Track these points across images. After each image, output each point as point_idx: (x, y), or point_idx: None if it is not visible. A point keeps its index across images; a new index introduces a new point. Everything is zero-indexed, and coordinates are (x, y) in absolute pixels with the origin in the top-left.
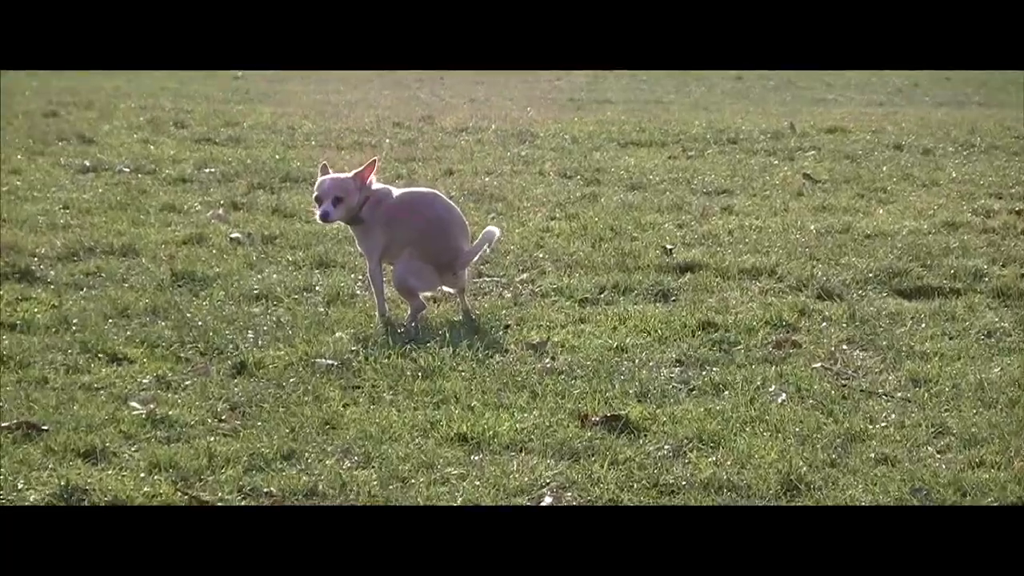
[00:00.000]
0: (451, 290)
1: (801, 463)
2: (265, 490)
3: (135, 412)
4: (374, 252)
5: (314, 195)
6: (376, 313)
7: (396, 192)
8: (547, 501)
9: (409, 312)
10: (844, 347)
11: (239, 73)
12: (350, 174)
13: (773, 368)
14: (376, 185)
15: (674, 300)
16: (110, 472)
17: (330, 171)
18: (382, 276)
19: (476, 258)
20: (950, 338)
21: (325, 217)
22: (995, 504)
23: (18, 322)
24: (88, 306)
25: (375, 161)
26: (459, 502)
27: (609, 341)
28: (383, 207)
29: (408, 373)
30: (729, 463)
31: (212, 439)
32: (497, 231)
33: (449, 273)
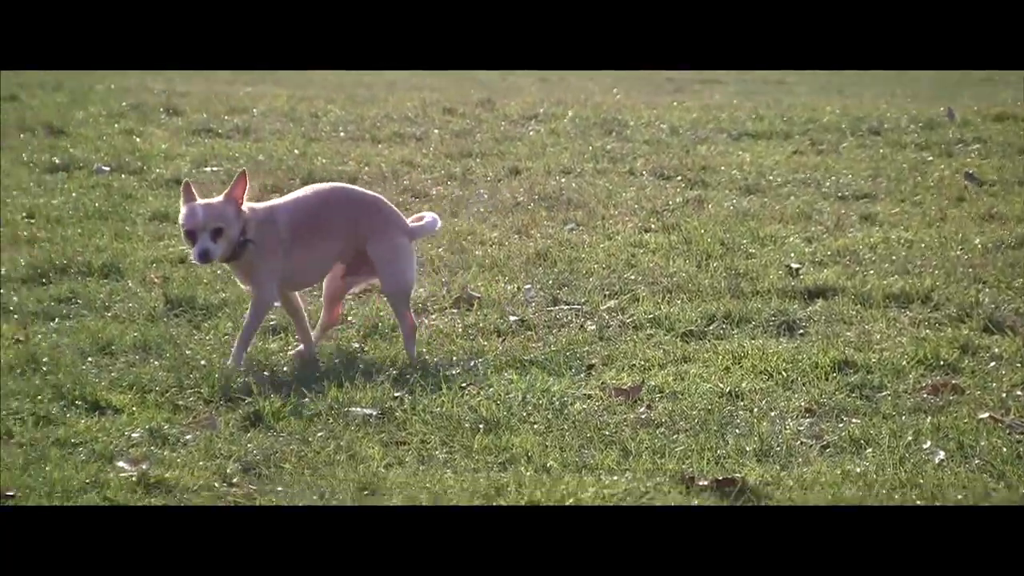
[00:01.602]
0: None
1: None
2: None
3: (123, 474)
4: (273, 277)
5: (183, 229)
6: (233, 362)
7: (281, 200)
8: None
9: (404, 331)
10: (1018, 393)
11: None
12: (221, 197)
13: (928, 419)
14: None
15: (802, 334)
16: None
17: (195, 194)
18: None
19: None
20: None
21: (204, 257)
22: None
23: None
24: (61, 341)
25: (244, 174)
26: None
27: (720, 385)
28: (278, 219)
29: (466, 426)
30: None
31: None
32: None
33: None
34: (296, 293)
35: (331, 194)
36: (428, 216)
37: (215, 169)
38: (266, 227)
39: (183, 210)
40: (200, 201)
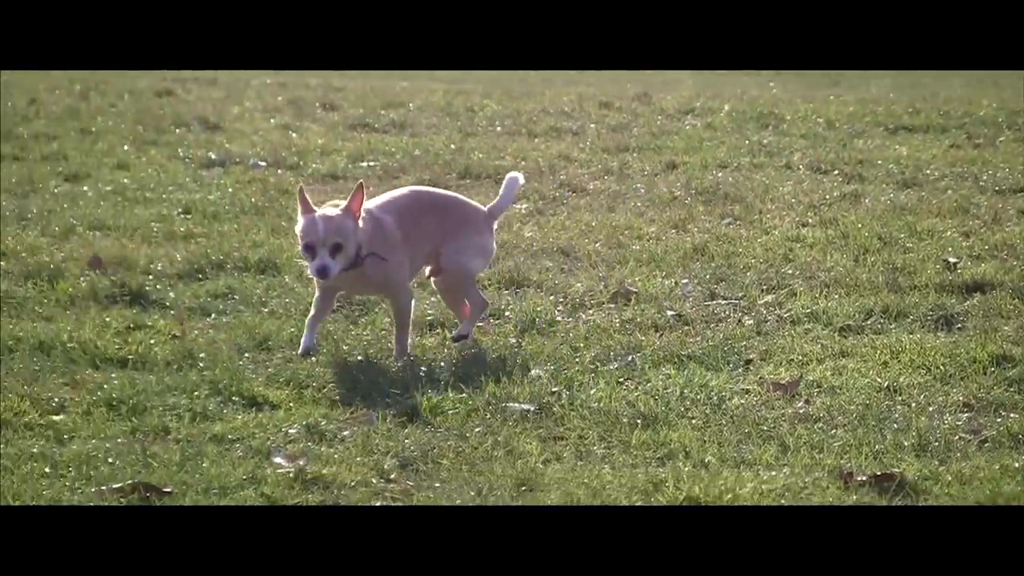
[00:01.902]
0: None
1: None
2: None
3: (280, 470)
4: (406, 277)
5: (302, 242)
6: (399, 355)
7: (376, 204)
8: None
9: (467, 320)
10: None
11: None
12: (341, 209)
13: None
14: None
15: (959, 328)
16: None
17: (310, 202)
18: None
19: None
20: None
21: (323, 273)
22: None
23: (130, 357)
24: (218, 336)
25: (362, 186)
26: None
27: (878, 380)
28: (386, 226)
29: (624, 421)
30: None
31: (379, 503)
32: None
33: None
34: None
35: (419, 196)
36: (505, 181)
37: (371, 164)
38: (377, 234)
39: (301, 221)
40: (319, 213)
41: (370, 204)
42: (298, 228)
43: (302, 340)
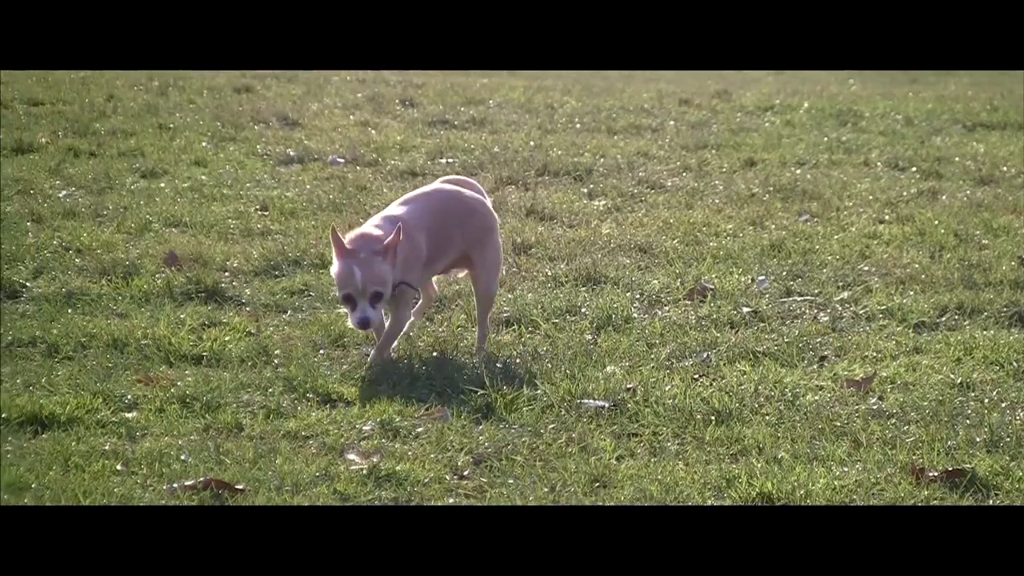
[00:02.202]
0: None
1: None
2: None
3: (354, 467)
4: (411, 301)
5: (340, 292)
6: (378, 357)
7: (408, 213)
8: None
9: (482, 331)
10: None
11: None
12: (381, 254)
13: None
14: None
15: None
16: None
17: (343, 242)
18: None
19: None
20: None
21: (364, 325)
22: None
23: (205, 354)
24: (294, 333)
25: (400, 228)
26: None
27: (952, 376)
28: (417, 246)
29: (698, 417)
30: None
31: (451, 500)
32: None
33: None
34: None
35: (449, 202)
36: None
37: (450, 161)
38: (412, 255)
39: (338, 267)
40: (356, 259)
41: (403, 211)
42: (334, 273)
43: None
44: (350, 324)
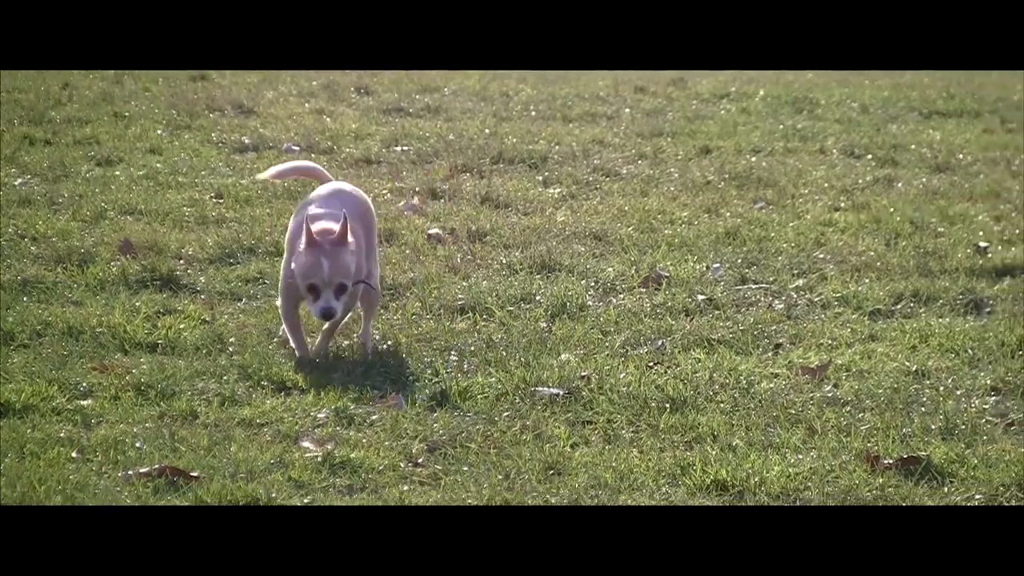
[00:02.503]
0: None
1: None
2: None
3: (308, 454)
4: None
5: (303, 282)
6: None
7: (321, 208)
8: None
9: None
10: None
11: None
12: (345, 242)
13: None
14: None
15: (989, 312)
16: None
17: (314, 235)
18: None
19: None
20: None
21: (327, 315)
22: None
23: (160, 341)
24: (248, 321)
25: (347, 217)
26: None
27: (907, 364)
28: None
29: (653, 405)
30: None
31: (405, 488)
32: None
33: None
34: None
35: (358, 200)
36: None
37: (405, 149)
38: (355, 245)
39: (305, 258)
40: (323, 250)
41: (328, 209)
42: (298, 263)
43: (295, 351)
44: (313, 314)
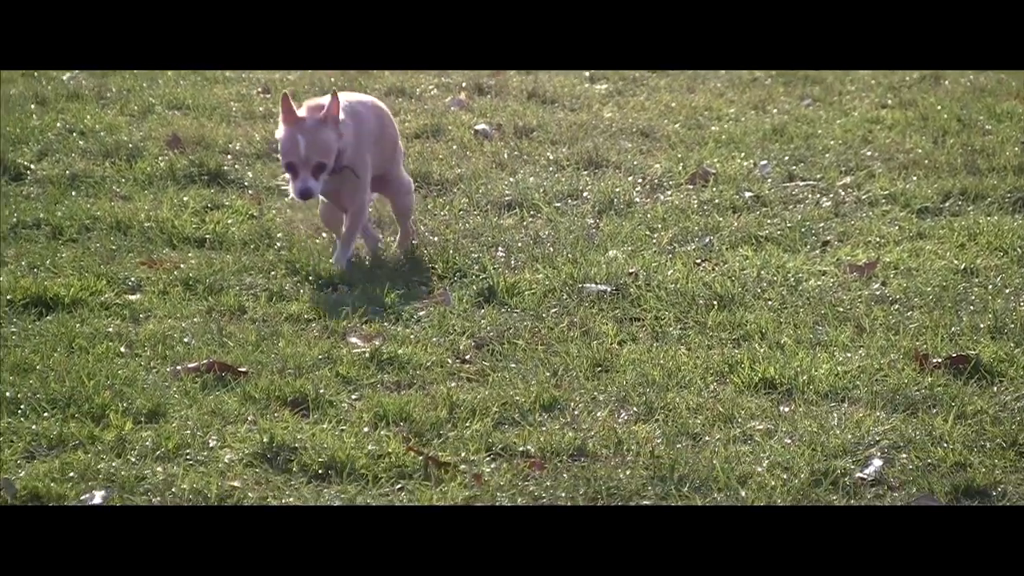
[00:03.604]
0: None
1: None
2: (520, 449)
3: (356, 350)
4: (367, 191)
5: (283, 160)
6: (338, 264)
7: (348, 100)
8: (875, 464)
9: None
10: None
11: None
12: (323, 120)
13: None
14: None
15: None
16: (325, 426)
17: (294, 109)
18: None
19: None
20: None
21: (306, 195)
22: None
23: (208, 236)
24: (296, 217)
25: (335, 93)
26: (765, 464)
27: (955, 262)
28: (365, 127)
29: (700, 302)
30: None
31: (453, 385)
32: None
33: None
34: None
35: (380, 112)
36: None
37: None
38: (356, 131)
39: (283, 134)
40: (302, 127)
41: (344, 101)
42: (279, 140)
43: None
44: (291, 195)
